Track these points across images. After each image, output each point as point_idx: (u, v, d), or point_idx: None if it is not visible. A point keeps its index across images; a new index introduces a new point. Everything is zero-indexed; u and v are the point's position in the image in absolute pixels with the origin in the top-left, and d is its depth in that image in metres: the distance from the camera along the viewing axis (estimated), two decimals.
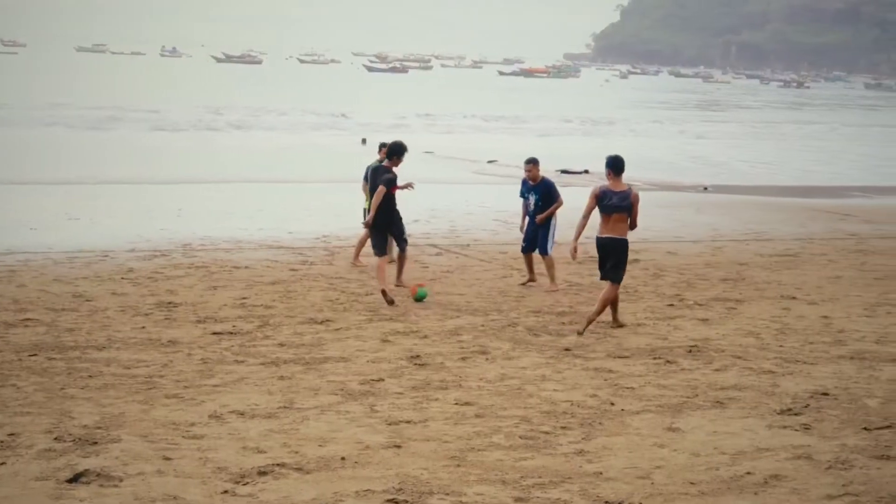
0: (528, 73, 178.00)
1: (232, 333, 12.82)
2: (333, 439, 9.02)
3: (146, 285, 15.63)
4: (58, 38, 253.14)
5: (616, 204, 13.45)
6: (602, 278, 13.76)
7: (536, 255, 16.39)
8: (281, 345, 12.32)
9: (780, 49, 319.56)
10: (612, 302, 13.66)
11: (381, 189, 14.96)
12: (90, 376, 10.78)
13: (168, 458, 8.41)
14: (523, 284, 16.46)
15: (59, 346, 11.96)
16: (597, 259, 13.98)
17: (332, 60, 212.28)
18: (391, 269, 15.81)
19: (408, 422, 9.56)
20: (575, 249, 13.70)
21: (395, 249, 16.10)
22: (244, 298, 14.89)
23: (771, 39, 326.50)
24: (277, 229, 21.40)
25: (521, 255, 16.77)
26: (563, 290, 16.17)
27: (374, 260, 15.43)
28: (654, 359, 12.09)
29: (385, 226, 15.18)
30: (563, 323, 13.87)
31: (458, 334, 13.09)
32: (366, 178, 16.60)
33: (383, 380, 10.94)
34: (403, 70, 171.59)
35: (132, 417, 9.47)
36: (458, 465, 8.46)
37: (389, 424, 9.47)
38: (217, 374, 11.01)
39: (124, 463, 8.29)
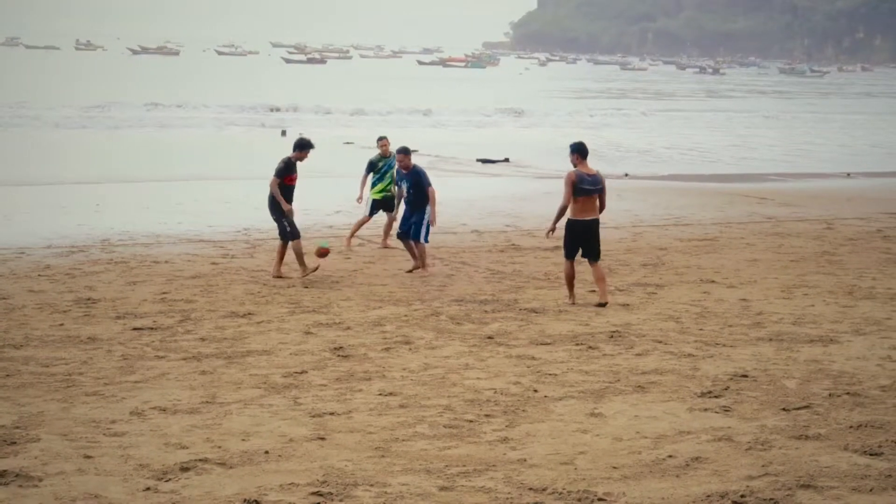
0: (447, 63, 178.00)
1: (152, 329, 12.68)
2: (257, 433, 8.97)
3: (64, 282, 15.39)
4: None
5: (588, 188, 14.12)
6: (582, 257, 14.41)
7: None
8: (202, 339, 12.21)
9: (695, 36, 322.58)
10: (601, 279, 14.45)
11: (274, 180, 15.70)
12: (7, 375, 10.61)
13: (89, 457, 8.30)
14: (410, 272, 16.59)
15: None
16: (558, 244, 14.53)
17: (250, 52, 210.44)
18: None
19: (332, 413, 9.53)
20: (553, 230, 14.37)
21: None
22: (164, 293, 14.73)
23: (685, 26, 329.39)
24: (197, 223, 21.19)
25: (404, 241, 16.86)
26: (485, 279, 16.21)
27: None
28: (577, 345, 12.16)
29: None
30: (486, 311, 13.89)
31: (381, 325, 13.07)
32: (368, 170, 18.49)
33: (306, 372, 10.89)
34: (322, 61, 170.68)
35: (51, 416, 9.32)
36: (383, 456, 8.45)
37: (313, 417, 9.44)
38: (138, 371, 10.89)
39: (44, 462, 8.17)
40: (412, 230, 16.48)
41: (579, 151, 14.26)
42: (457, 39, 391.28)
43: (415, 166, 16.65)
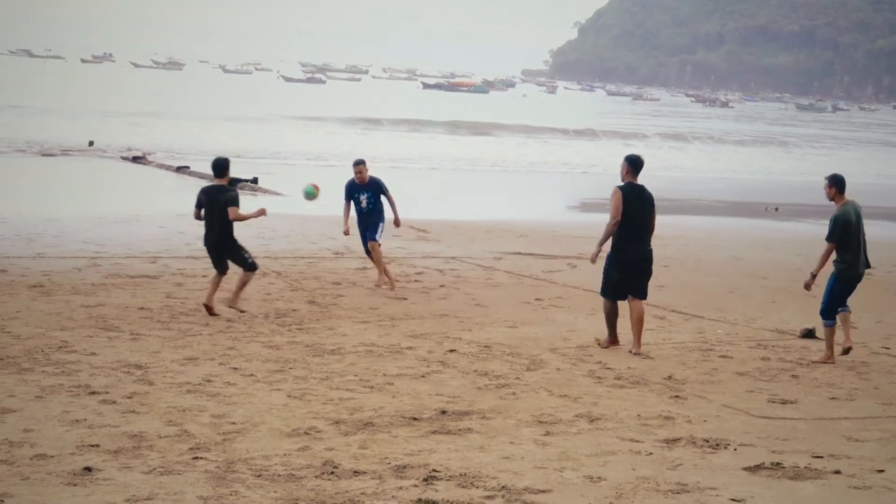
0: (452, 87, 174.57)
1: None
2: None
3: None
4: None
5: (640, 207, 12.53)
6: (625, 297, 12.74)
7: None
8: None
9: (734, 70, 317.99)
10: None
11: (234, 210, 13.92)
12: None
13: None
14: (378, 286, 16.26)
15: None
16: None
17: (260, 70, 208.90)
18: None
19: None
20: (595, 257, 12.77)
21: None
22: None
23: (725, 60, 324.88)
24: None
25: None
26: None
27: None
28: None
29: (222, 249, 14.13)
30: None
31: None
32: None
33: None
34: (321, 81, 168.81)
35: None
36: None
37: None
38: None
39: None
40: (370, 231, 16.36)
41: (634, 164, 12.62)
42: (497, 66, 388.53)
43: (371, 176, 16.60)
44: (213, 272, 14.24)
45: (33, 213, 22.23)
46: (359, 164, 16.66)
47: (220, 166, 14.19)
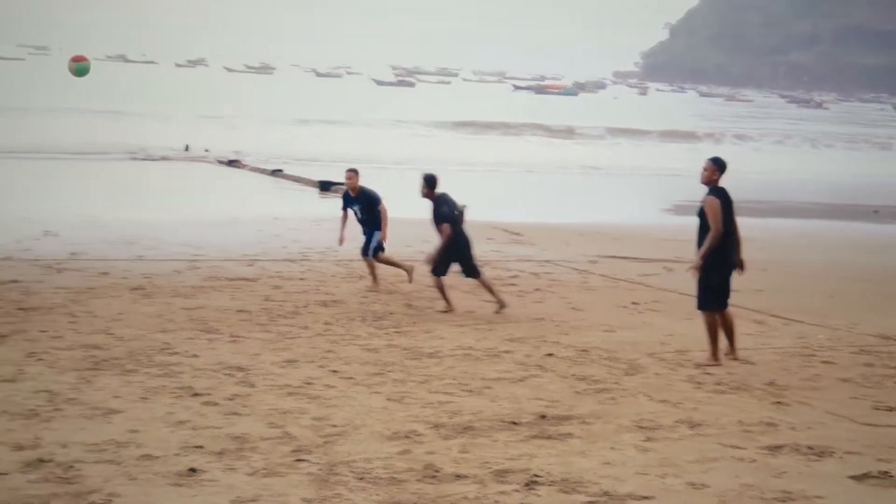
0: (542, 90, 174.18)
1: None
2: None
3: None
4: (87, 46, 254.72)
5: (730, 211, 11.98)
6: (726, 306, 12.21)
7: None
8: None
9: (828, 70, 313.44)
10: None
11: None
12: None
13: None
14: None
15: None
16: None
17: (352, 73, 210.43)
18: None
19: None
20: (699, 266, 12.01)
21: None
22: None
23: (819, 61, 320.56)
24: None
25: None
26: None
27: None
28: None
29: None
30: None
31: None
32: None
33: None
34: (411, 84, 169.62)
35: None
36: None
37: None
38: None
39: None
40: (364, 245, 16.27)
41: (721, 166, 11.98)
42: (587, 68, 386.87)
43: (362, 188, 16.42)
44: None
45: (133, 217, 22.59)
46: (348, 172, 16.59)
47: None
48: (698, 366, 12.12)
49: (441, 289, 14.76)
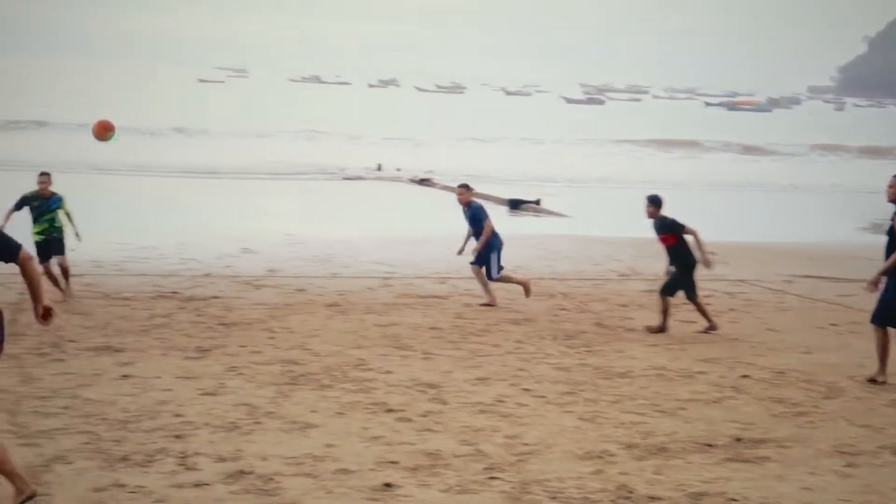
0: (734, 106, 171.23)
1: None
2: None
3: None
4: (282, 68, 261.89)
5: None
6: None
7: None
8: None
9: None
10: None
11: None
12: None
13: None
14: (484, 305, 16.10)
15: None
16: None
17: (539, 92, 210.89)
18: None
19: None
20: (877, 282, 11.79)
21: None
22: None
23: None
24: None
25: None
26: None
27: None
28: None
29: None
30: None
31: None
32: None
33: None
34: (600, 101, 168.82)
35: None
36: None
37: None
38: None
39: None
40: (486, 268, 16.24)
41: None
42: (781, 83, 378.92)
43: (472, 202, 16.49)
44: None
45: (328, 235, 23.08)
46: (458, 188, 16.90)
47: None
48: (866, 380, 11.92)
49: (666, 310, 14.58)
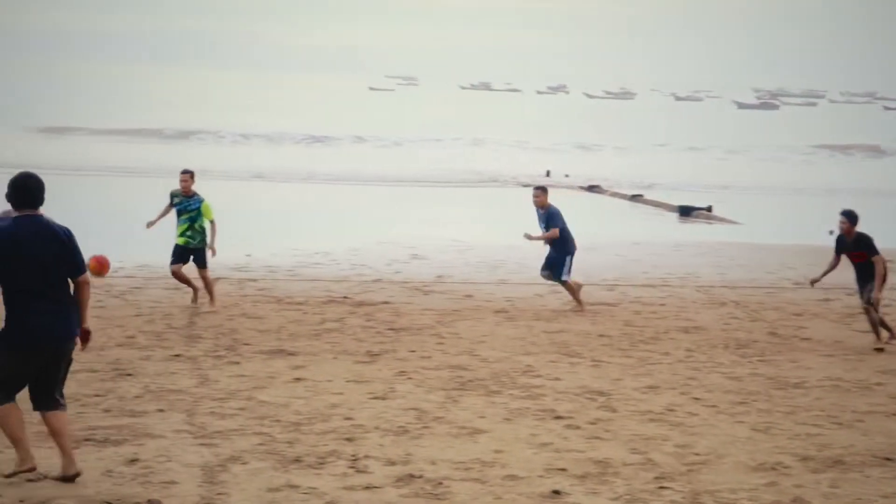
0: None
1: None
2: None
3: None
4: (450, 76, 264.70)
5: None
6: None
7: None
8: None
9: None
10: None
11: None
12: None
13: None
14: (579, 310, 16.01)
15: None
16: None
17: (710, 97, 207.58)
18: None
19: None
20: None
21: None
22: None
23: None
24: None
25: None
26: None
27: None
28: None
29: None
30: None
31: None
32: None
33: None
34: (774, 106, 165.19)
35: None
36: None
37: None
38: None
39: None
40: (555, 272, 16.10)
41: None
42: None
43: (550, 206, 16.38)
44: None
45: (498, 241, 23.13)
46: (535, 190, 16.76)
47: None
48: None
49: (878, 322, 14.11)
